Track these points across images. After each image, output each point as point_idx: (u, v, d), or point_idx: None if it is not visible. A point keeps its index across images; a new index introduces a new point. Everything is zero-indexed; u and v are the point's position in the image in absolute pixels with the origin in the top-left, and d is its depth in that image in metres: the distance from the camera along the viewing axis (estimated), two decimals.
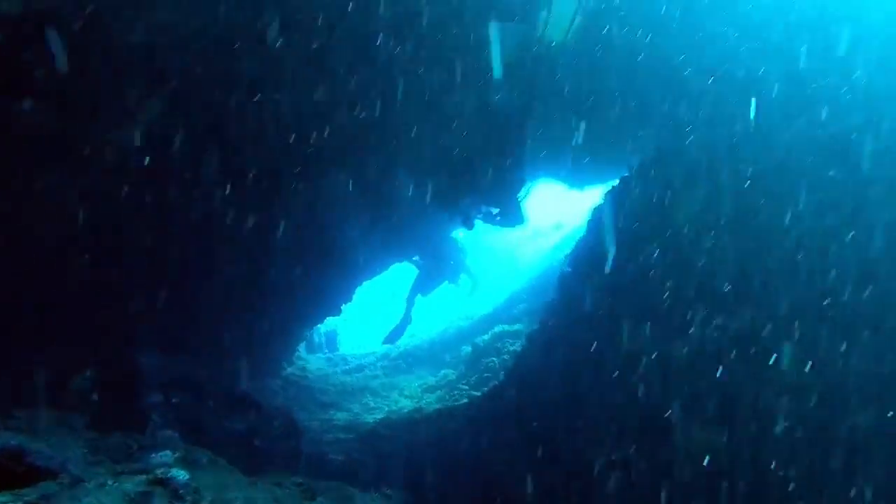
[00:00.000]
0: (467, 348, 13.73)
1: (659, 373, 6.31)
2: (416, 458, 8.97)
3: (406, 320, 15.50)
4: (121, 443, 4.11)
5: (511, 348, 12.56)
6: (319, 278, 12.36)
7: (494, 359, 12.40)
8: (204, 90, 6.93)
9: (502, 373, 11.68)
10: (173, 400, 5.57)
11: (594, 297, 7.34)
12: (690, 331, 6.11)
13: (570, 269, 7.90)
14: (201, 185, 7.93)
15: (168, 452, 4.13)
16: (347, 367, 15.52)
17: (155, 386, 5.56)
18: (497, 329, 13.51)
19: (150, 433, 5.09)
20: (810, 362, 5.42)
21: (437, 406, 11.46)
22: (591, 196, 15.51)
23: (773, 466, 5.37)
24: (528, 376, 8.83)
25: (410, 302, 15.28)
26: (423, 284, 15.08)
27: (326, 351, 16.21)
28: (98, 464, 3.74)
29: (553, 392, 7.86)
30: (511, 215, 7.32)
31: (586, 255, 7.96)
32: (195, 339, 10.22)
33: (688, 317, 6.21)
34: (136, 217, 7.65)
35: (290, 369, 13.72)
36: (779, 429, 5.34)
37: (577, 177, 13.52)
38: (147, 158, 6.55)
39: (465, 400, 11.14)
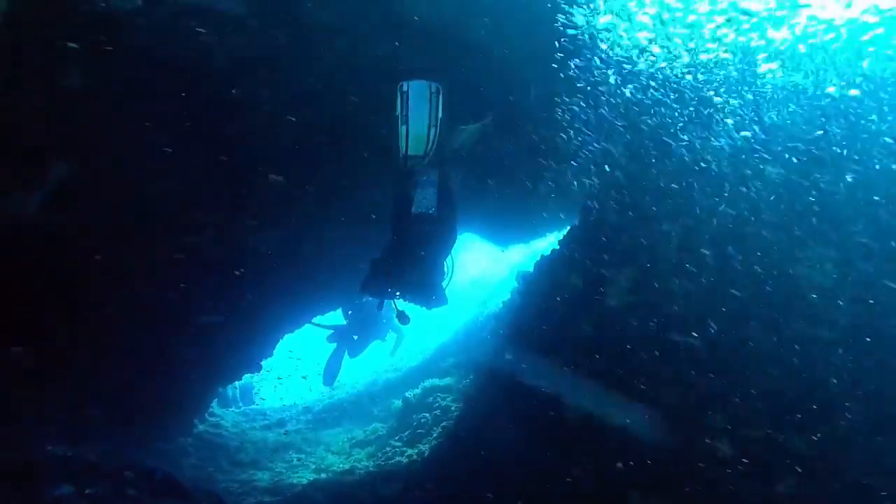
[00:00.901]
0: (397, 402, 13.33)
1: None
2: None
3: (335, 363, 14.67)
4: None
5: (442, 403, 12.34)
6: (238, 333, 11.65)
7: (426, 414, 12.10)
8: None
9: (435, 429, 11.43)
10: (87, 491, 4.84)
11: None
12: None
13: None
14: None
15: None
16: (266, 421, 14.54)
17: (63, 476, 4.81)
18: (427, 383, 13.29)
19: None
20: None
21: (370, 466, 10.92)
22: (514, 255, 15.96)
23: None
24: (466, 438, 8.63)
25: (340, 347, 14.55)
26: (352, 347, 14.49)
27: (241, 405, 15.15)
28: None
29: (495, 454, 7.72)
30: (436, 300, 7.06)
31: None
32: (96, 405, 9.27)
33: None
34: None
35: (202, 427, 12.63)
36: None
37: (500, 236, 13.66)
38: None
39: (401, 458, 10.71)
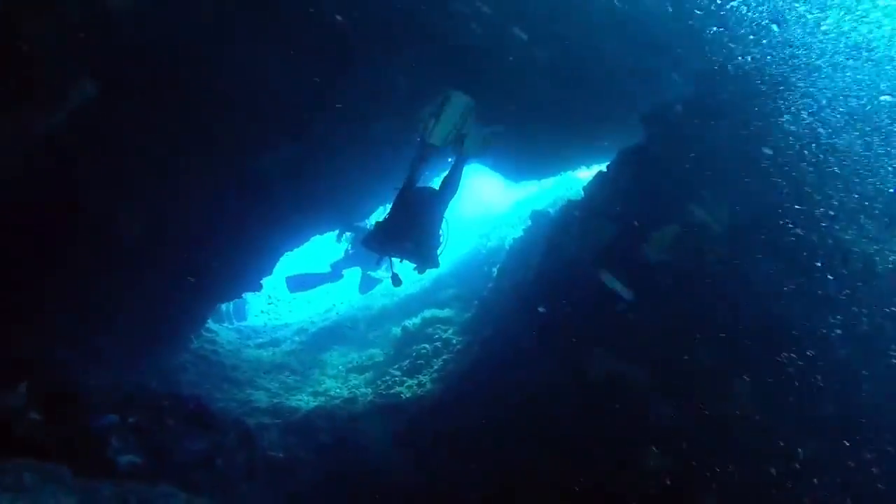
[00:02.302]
0: (396, 329, 13.28)
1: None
2: (361, 460, 8.50)
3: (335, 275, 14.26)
4: (115, 495, 3.27)
5: (443, 335, 12.33)
6: (237, 254, 11.27)
7: (426, 345, 12.10)
8: None
9: (435, 361, 11.49)
10: (129, 420, 4.62)
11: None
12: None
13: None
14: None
15: None
16: (260, 340, 14.43)
17: (107, 405, 4.58)
18: (427, 314, 13.20)
19: (120, 468, 4.18)
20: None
21: (369, 394, 10.98)
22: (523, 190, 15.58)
23: None
24: (473, 377, 8.56)
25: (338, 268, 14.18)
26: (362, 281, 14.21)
27: (234, 321, 14.94)
28: None
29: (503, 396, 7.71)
30: (429, 264, 7.85)
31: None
32: (96, 318, 8.92)
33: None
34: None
35: (197, 342, 12.42)
36: None
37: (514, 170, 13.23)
38: None
39: (401, 388, 10.78)
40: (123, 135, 7.82)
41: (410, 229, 7.47)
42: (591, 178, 8.53)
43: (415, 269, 8.18)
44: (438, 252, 7.90)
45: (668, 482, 5.54)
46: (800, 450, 5.03)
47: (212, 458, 5.19)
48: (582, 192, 8.63)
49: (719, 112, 6.53)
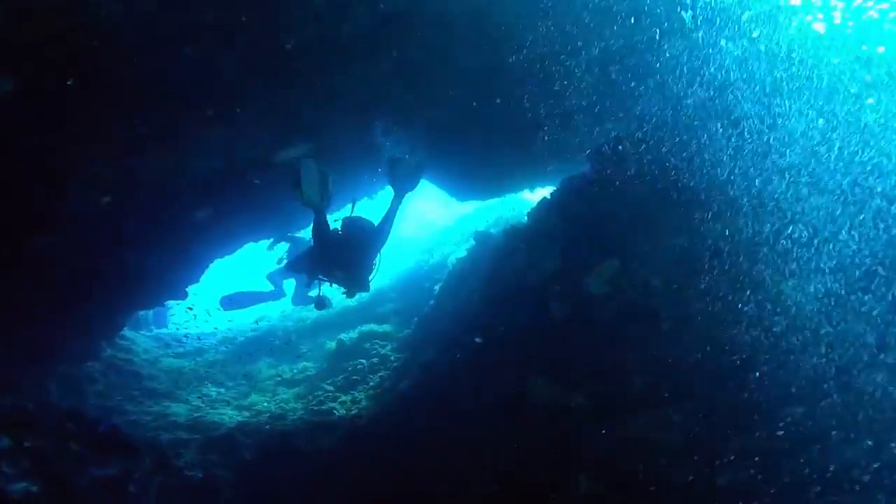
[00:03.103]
0: (330, 343, 12.82)
1: None
2: (287, 480, 8.04)
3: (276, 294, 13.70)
4: None
5: (381, 351, 12.02)
6: (161, 259, 10.58)
7: (363, 361, 11.75)
8: None
9: (372, 378, 11.15)
10: (25, 444, 4.09)
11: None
12: None
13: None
14: None
15: None
16: (182, 349, 13.55)
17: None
18: (365, 328, 12.85)
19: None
20: None
21: (299, 410, 10.49)
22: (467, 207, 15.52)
23: None
24: (410, 394, 8.32)
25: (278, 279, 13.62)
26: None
27: (153, 328, 13.97)
28: None
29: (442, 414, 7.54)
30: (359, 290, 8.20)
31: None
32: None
33: None
34: None
35: (111, 351, 11.49)
36: None
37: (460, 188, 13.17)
38: None
39: (334, 404, 10.36)
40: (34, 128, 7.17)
41: (342, 259, 7.73)
42: (535, 203, 8.54)
43: (344, 293, 8.33)
44: (370, 278, 8.10)
45: None
46: (718, 480, 5.16)
47: (123, 483, 4.70)
48: (525, 218, 8.64)
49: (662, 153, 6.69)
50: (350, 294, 8.40)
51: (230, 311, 13.70)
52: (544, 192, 12.66)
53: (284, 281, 13.94)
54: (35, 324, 8.76)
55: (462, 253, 11.79)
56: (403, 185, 8.08)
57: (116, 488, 4.65)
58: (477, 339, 6.85)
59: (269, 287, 13.65)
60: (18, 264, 7.69)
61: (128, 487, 4.72)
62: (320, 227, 7.84)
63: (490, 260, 7.98)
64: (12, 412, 4.12)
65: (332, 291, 8.88)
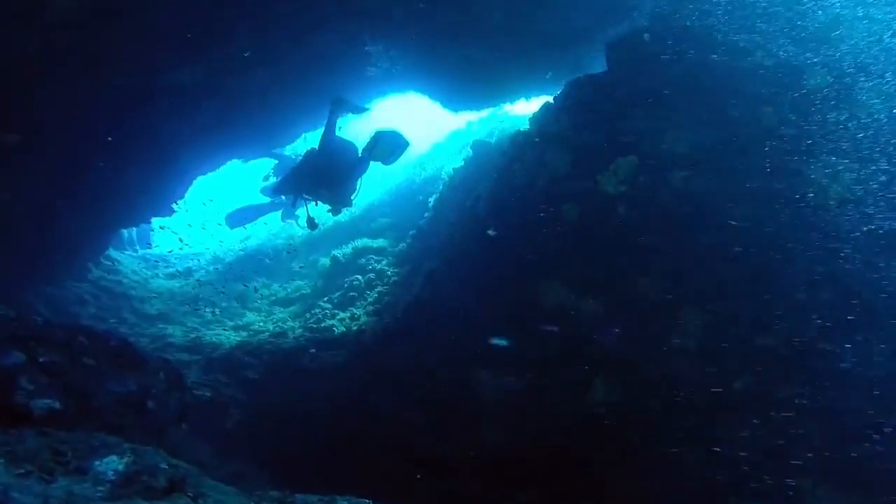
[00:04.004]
0: (324, 260, 12.60)
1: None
2: (293, 395, 8.03)
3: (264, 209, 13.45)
4: (43, 446, 2.63)
5: (377, 266, 11.84)
6: (145, 173, 10.05)
7: (359, 277, 11.58)
8: None
9: (369, 293, 11.04)
10: (41, 359, 3.84)
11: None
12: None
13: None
14: None
15: (114, 458, 2.82)
16: (170, 270, 13.20)
17: (9, 341, 3.75)
18: (358, 243, 12.59)
19: (32, 410, 3.45)
20: None
21: (297, 328, 10.41)
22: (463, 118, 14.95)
23: None
24: (415, 305, 8.23)
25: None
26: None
27: (137, 247, 13.51)
28: (27, 477, 2.36)
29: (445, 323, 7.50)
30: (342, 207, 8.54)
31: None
32: None
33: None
34: None
35: (97, 272, 11.12)
36: None
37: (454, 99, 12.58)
38: None
39: (332, 321, 10.29)
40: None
41: (327, 179, 7.97)
42: (538, 109, 8.14)
43: (329, 210, 8.61)
44: (353, 197, 8.40)
45: (613, 416, 5.62)
46: (735, 384, 5.20)
47: (143, 400, 4.54)
48: (528, 124, 8.27)
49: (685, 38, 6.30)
50: (335, 211, 8.69)
51: (236, 227, 13.35)
52: (543, 100, 12.21)
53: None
54: (18, 240, 8.35)
55: (458, 164, 11.40)
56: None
57: (136, 405, 4.49)
58: (490, 232, 6.63)
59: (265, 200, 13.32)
60: None
61: (147, 404, 4.56)
62: (326, 154, 8.06)
63: (495, 165, 7.67)
64: (21, 325, 3.85)
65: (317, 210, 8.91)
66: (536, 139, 7.07)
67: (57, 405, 3.73)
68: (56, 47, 7.19)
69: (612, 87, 6.61)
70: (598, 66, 9.95)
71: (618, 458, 5.47)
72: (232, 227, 13.73)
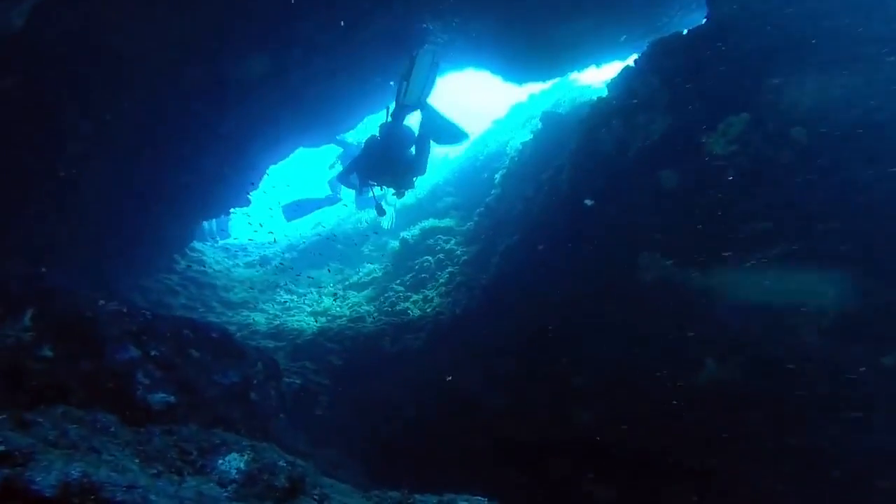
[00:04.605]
0: (394, 242, 12.66)
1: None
2: (376, 380, 8.13)
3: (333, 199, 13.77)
4: (169, 445, 2.71)
5: (445, 246, 11.78)
6: (220, 164, 10.33)
7: (429, 258, 11.57)
8: None
9: (440, 275, 11.01)
10: (152, 353, 3.99)
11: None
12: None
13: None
14: None
15: (235, 456, 2.85)
16: (249, 258, 13.65)
17: (120, 335, 3.90)
18: (426, 224, 12.54)
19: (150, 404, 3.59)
20: None
21: (373, 311, 10.52)
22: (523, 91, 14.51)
23: None
24: (491, 287, 8.07)
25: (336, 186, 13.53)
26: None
27: (217, 238, 14.05)
28: (159, 477, 2.42)
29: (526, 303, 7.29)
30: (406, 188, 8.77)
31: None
32: (74, 239, 8.06)
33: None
34: None
35: (184, 263, 11.62)
36: None
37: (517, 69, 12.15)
38: None
39: (407, 304, 10.33)
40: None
41: (390, 165, 8.25)
42: (617, 73, 7.67)
43: (393, 193, 8.93)
44: (416, 178, 8.67)
45: (724, 398, 5.25)
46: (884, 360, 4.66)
47: (246, 392, 4.65)
48: (607, 90, 7.82)
49: None
50: (400, 194, 8.99)
51: (293, 219, 13.69)
52: (615, 66, 11.62)
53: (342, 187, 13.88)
54: (113, 234, 8.78)
55: (525, 137, 11.07)
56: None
57: (241, 397, 4.60)
58: (587, 202, 6.30)
59: (326, 192, 13.53)
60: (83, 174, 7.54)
61: (250, 395, 4.67)
62: (389, 139, 8.32)
63: (573, 135, 7.31)
64: (132, 319, 3.99)
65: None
66: (623, 103, 6.65)
67: (172, 399, 3.86)
68: (134, 41, 7.40)
69: (715, 40, 6.02)
70: (677, 26, 9.36)
71: (727, 444, 5.16)
72: (289, 219, 14.03)
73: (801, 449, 4.84)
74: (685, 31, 6.31)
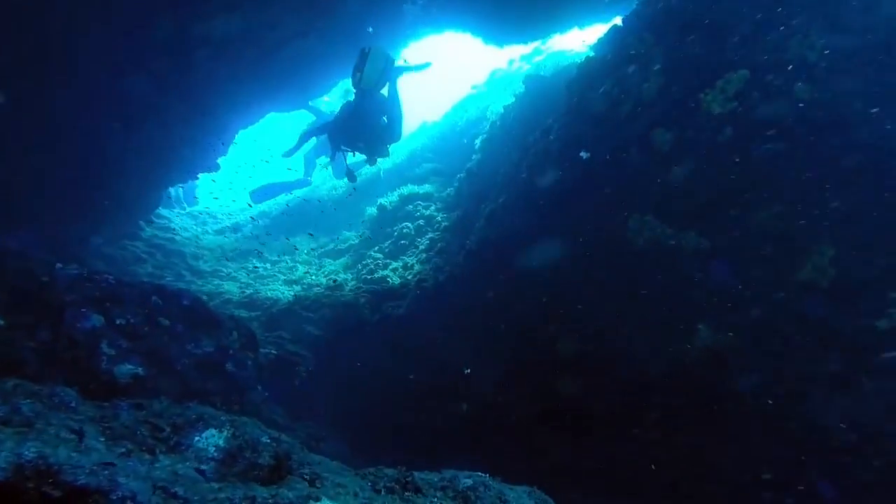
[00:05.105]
0: (371, 209, 12.28)
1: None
2: (357, 349, 7.88)
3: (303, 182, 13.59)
4: (139, 421, 2.41)
5: (425, 213, 11.48)
6: (188, 127, 9.79)
7: (409, 224, 11.27)
8: None
9: (420, 241, 10.73)
10: (117, 321, 3.64)
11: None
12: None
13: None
14: None
15: (213, 432, 2.58)
16: (219, 225, 13.11)
17: (81, 301, 3.54)
18: (404, 190, 12.18)
19: (118, 376, 3.27)
20: None
21: (350, 279, 10.22)
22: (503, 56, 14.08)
23: None
24: (473, 254, 7.83)
25: (310, 160, 13.26)
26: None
27: (185, 205, 13.44)
28: (129, 457, 2.15)
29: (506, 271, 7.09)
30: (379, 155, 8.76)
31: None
32: (32, 203, 7.54)
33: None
34: None
35: (149, 230, 11.08)
36: None
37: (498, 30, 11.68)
38: None
39: (385, 272, 10.05)
40: None
41: (363, 132, 8.25)
42: (604, 33, 7.34)
43: (366, 160, 8.85)
44: (389, 145, 8.66)
45: (719, 363, 5.14)
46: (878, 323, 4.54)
47: (221, 362, 4.35)
48: (593, 51, 7.50)
49: None
50: (371, 161, 8.91)
51: (260, 202, 13.40)
52: (598, 28, 11.26)
53: (313, 167, 13.78)
54: (73, 199, 8.26)
55: (509, 100, 10.72)
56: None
57: (215, 367, 4.30)
58: (583, 154, 6.05)
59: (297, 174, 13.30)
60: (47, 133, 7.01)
61: (226, 366, 4.37)
62: (361, 108, 8.26)
63: (560, 97, 7.02)
64: (94, 284, 3.63)
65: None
66: (615, 61, 6.35)
67: (140, 371, 3.55)
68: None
69: None
70: None
71: (720, 414, 5.08)
72: (257, 202, 13.96)
73: (801, 419, 4.78)
74: None
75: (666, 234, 5.40)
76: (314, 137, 12.78)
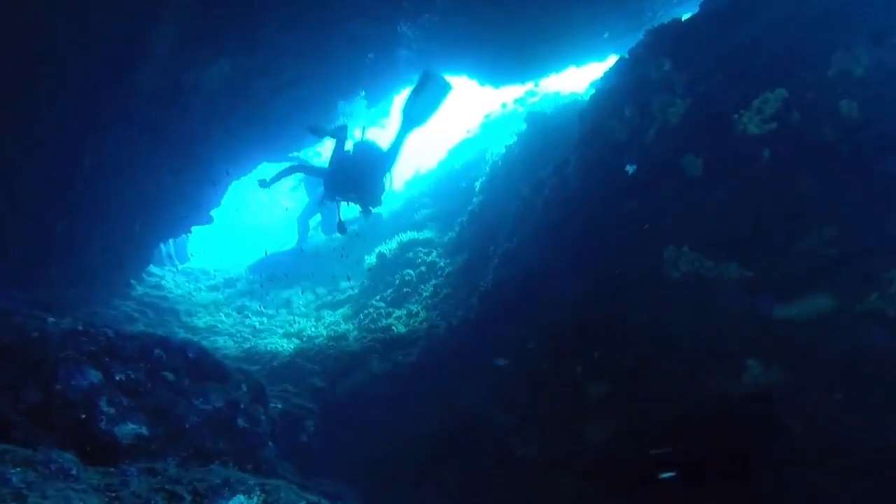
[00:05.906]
0: (370, 258, 11.92)
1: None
2: (365, 400, 7.38)
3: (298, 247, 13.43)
4: (154, 488, 1.97)
5: (426, 259, 11.14)
6: (180, 178, 9.53)
7: (410, 271, 10.89)
8: None
9: (424, 288, 10.34)
10: (117, 377, 3.20)
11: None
12: None
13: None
14: None
15: (241, 499, 2.13)
16: (212, 281, 12.64)
17: (76, 357, 3.10)
18: (404, 237, 11.88)
19: (120, 439, 2.80)
20: None
21: (352, 329, 9.75)
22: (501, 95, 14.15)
23: None
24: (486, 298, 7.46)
25: (304, 224, 13.11)
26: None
27: (176, 261, 12.99)
28: None
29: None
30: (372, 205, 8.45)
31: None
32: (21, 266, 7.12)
33: None
34: None
35: (141, 289, 10.60)
36: None
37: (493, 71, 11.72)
38: None
39: (389, 321, 9.59)
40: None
41: (355, 182, 8.05)
42: (612, 65, 7.25)
43: (360, 212, 8.56)
44: (382, 196, 8.39)
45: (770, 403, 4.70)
46: None
47: (233, 418, 3.88)
48: (603, 82, 7.37)
49: None
50: (366, 213, 8.61)
51: (261, 273, 13.15)
52: (596, 67, 11.30)
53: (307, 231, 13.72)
54: (61, 260, 7.84)
55: (511, 140, 10.59)
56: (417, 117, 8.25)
57: (226, 424, 3.82)
58: (628, 168, 5.66)
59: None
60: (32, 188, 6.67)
61: (237, 422, 3.90)
62: (339, 154, 8.24)
63: (574, 129, 6.83)
64: (91, 338, 3.21)
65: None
66: (633, 89, 6.15)
67: (144, 430, 3.08)
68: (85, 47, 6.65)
69: (738, 13, 5.59)
70: (662, 19, 9.12)
71: (772, 454, 4.65)
72: (258, 274, 13.61)
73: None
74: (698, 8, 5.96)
75: (706, 266, 5.07)
76: (308, 203, 12.75)
